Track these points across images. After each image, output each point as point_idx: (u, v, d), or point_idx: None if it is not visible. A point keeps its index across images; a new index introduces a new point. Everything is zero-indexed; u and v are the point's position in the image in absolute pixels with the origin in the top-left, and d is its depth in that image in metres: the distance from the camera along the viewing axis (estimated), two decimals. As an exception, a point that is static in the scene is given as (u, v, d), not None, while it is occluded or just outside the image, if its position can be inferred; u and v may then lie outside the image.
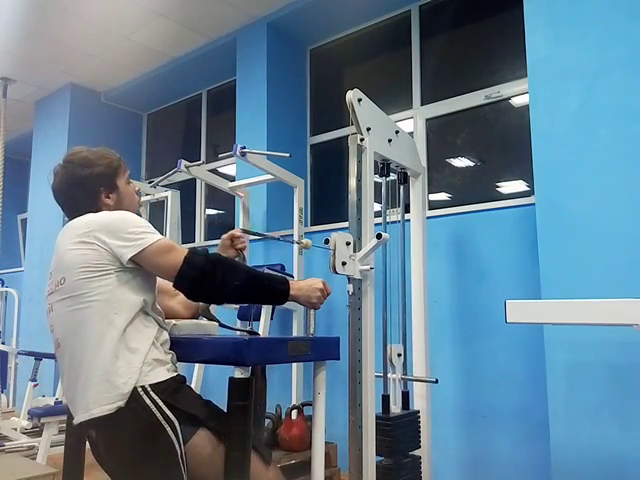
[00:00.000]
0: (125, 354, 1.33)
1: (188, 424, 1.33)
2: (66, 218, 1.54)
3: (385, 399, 2.16)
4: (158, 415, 1.29)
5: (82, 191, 1.51)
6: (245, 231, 1.78)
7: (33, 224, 5.41)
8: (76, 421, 1.35)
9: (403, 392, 2.25)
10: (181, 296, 1.66)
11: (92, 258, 1.36)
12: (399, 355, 2.24)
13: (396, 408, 2.20)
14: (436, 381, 2.27)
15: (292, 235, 3.37)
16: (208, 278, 1.36)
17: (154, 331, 1.40)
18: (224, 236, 1.68)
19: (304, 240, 1.85)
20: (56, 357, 1.46)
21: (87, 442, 1.44)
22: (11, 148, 5.73)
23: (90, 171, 1.52)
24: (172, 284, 1.40)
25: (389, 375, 2.21)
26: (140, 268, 1.41)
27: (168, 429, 1.29)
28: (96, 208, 1.51)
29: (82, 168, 1.52)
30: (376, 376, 1.98)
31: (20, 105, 5.49)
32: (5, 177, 4.12)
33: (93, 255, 1.36)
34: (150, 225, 1.44)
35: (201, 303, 1.64)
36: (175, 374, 1.39)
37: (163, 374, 1.36)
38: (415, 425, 2.23)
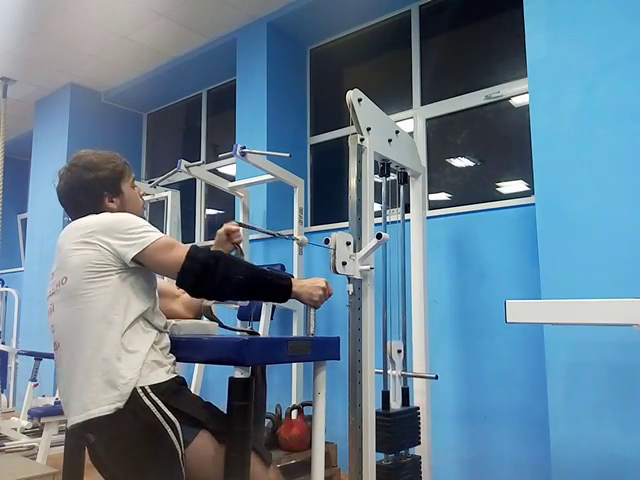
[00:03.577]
0: (126, 355, 1.32)
1: (189, 425, 1.32)
2: (67, 218, 1.54)
3: (385, 395, 2.16)
4: (159, 416, 1.29)
5: (86, 195, 1.51)
6: (242, 225, 1.74)
7: (33, 224, 5.41)
8: (71, 422, 1.34)
9: (403, 389, 2.25)
10: (183, 297, 1.67)
11: (94, 258, 1.36)
12: (399, 351, 2.24)
13: (396, 404, 2.20)
14: (436, 377, 2.27)
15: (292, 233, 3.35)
16: (210, 272, 1.35)
17: (153, 336, 1.40)
18: (220, 231, 1.67)
19: (300, 237, 1.84)
20: (55, 358, 1.45)
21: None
22: (11, 148, 5.74)
23: (95, 175, 1.52)
24: (175, 281, 1.39)
25: (389, 371, 2.21)
26: (141, 270, 1.41)
27: (169, 430, 1.28)
28: (99, 211, 1.51)
29: (87, 172, 1.52)
30: (376, 372, 1.97)
31: (20, 105, 5.48)
32: (5, 177, 4.12)
33: (95, 255, 1.36)
34: (150, 224, 1.44)
35: (205, 303, 1.64)
36: (174, 375, 1.39)
37: (163, 375, 1.35)
38: (415, 421, 2.23)
